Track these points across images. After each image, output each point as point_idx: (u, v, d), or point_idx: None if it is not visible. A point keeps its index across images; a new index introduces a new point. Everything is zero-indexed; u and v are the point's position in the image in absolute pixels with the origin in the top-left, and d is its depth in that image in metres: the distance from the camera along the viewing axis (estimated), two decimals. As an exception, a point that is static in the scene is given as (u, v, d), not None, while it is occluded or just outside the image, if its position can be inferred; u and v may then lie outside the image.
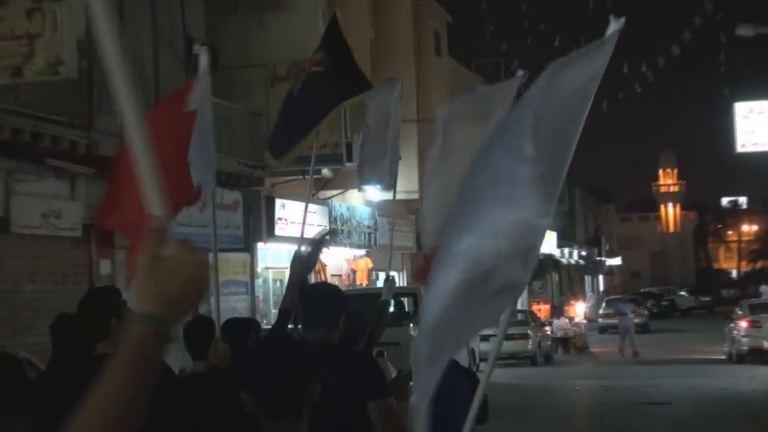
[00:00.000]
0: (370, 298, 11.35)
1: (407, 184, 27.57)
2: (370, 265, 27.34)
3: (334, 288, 5.08)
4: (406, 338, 15.14)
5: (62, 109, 14.36)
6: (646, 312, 47.03)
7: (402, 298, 18.92)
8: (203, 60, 6.04)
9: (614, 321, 44.50)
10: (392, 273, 7.68)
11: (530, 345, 28.65)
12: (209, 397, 4.80)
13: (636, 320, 44.85)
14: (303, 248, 5.51)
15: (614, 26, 2.72)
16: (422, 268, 6.49)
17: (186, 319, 1.83)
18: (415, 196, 30.71)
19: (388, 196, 10.40)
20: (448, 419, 3.79)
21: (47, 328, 4.86)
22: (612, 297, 53.48)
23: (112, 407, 1.61)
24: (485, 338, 20.50)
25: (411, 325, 16.53)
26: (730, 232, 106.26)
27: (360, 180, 7.66)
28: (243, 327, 5.56)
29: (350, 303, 4.89)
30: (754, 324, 26.84)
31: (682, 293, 68.99)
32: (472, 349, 19.73)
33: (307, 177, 26.86)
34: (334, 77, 6.77)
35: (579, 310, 39.46)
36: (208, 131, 5.75)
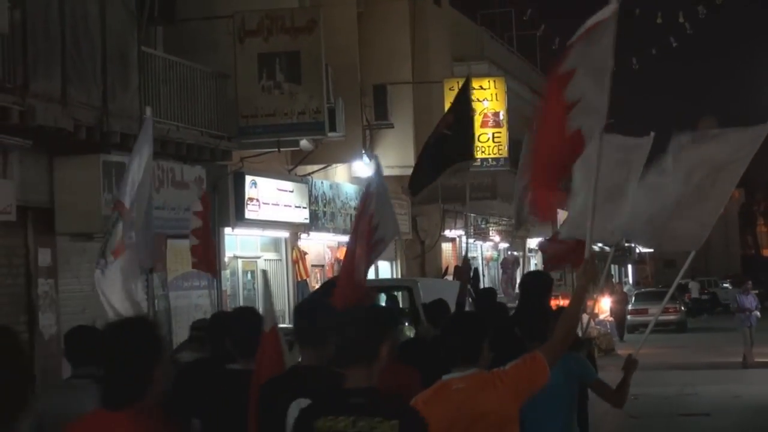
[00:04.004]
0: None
1: (401, 158, 27.46)
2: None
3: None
4: (402, 337, 15.08)
5: (-8, 70, 14.33)
6: (682, 308, 47.22)
7: (396, 292, 18.92)
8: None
9: (644, 318, 44.62)
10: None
11: (546, 347, 28.61)
12: None
13: (671, 317, 45.03)
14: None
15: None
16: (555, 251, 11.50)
17: None
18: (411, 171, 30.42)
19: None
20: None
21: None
22: (644, 290, 53.67)
23: (573, 322, 5.94)
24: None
25: (406, 324, 16.53)
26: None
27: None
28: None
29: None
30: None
31: (726, 285, 69.10)
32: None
33: (283, 150, 26.75)
34: (452, 143, 11.07)
35: (604, 305, 39.55)
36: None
